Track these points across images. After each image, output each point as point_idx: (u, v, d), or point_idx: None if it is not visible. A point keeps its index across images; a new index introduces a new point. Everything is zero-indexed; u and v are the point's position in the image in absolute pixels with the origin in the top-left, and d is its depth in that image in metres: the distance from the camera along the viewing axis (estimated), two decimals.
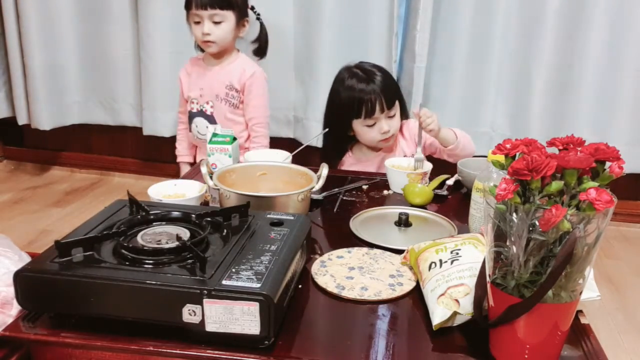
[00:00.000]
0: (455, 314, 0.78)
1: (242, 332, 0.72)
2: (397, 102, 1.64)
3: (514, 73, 2.33)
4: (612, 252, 2.30)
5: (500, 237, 0.68)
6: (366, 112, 1.58)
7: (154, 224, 0.90)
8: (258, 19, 2.05)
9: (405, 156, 1.65)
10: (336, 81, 1.68)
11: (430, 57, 2.28)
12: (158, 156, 2.83)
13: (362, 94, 1.58)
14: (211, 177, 1.14)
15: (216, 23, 1.80)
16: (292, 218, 0.95)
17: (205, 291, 0.71)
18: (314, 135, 2.43)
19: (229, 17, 1.82)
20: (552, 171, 0.63)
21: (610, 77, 2.26)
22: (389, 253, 1.02)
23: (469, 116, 2.41)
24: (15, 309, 0.92)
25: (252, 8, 2.00)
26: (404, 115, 1.72)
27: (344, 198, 1.34)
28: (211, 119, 1.95)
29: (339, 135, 1.68)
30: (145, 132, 2.68)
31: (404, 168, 1.42)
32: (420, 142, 1.47)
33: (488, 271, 0.72)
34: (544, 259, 0.65)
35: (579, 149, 0.69)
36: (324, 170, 1.16)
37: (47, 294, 0.76)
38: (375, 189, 1.41)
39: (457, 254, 0.87)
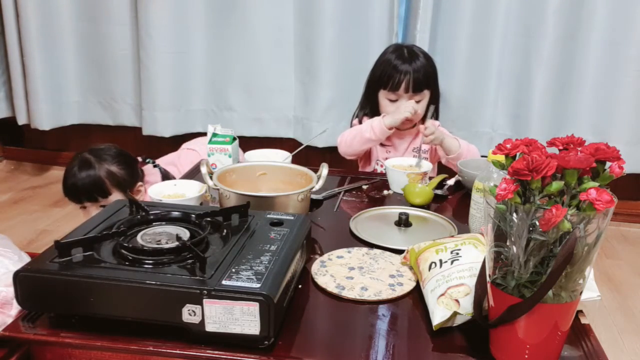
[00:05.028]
0: (455, 314, 0.78)
1: (242, 332, 0.72)
2: (426, 92, 1.68)
3: (514, 73, 2.34)
4: (612, 252, 2.30)
5: (500, 237, 0.68)
6: (392, 85, 1.64)
7: (154, 224, 0.90)
8: None
9: (415, 149, 1.73)
10: (383, 52, 1.76)
11: None
12: (158, 156, 2.82)
13: (394, 69, 1.65)
14: (211, 177, 1.14)
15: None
16: (292, 218, 0.95)
17: (205, 291, 0.71)
18: (314, 135, 2.43)
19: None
20: (552, 171, 0.63)
21: (610, 77, 2.26)
22: (389, 253, 1.02)
23: (469, 116, 2.41)
24: (15, 309, 0.92)
25: None
26: (433, 114, 1.76)
27: (344, 198, 1.34)
28: None
29: (371, 101, 1.76)
30: (145, 132, 2.68)
31: (404, 168, 1.42)
32: (421, 148, 1.58)
33: (488, 271, 0.72)
34: (544, 259, 0.65)
35: (579, 149, 0.69)
36: (324, 170, 1.16)
37: (47, 294, 0.75)
38: (375, 189, 1.41)
39: (457, 254, 0.87)
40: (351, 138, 1.68)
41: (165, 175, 1.74)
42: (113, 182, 1.62)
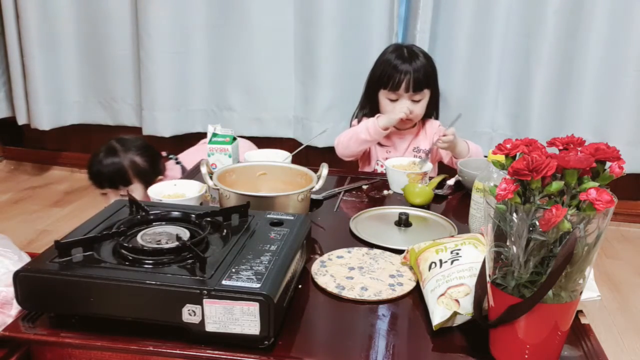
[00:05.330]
0: (455, 314, 0.78)
1: (242, 332, 0.72)
2: (426, 91, 1.68)
3: (514, 73, 2.34)
4: (612, 252, 2.30)
5: (500, 237, 0.68)
6: (392, 85, 1.64)
7: (154, 224, 0.90)
8: None
9: (415, 149, 1.73)
10: (382, 52, 1.76)
11: None
12: None
13: (394, 69, 1.65)
14: (211, 177, 1.14)
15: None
16: (292, 218, 0.95)
17: (205, 291, 0.71)
18: (314, 135, 2.43)
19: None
20: (552, 171, 0.63)
21: (610, 77, 2.26)
22: (389, 253, 1.02)
23: (470, 116, 2.41)
24: (15, 309, 0.92)
25: None
26: (433, 114, 1.78)
27: (344, 198, 1.34)
28: None
29: (371, 101, 1.76)
30: (145, 132, 2.68)
31: (404, 167, 1.42)
32: (431, 150, 1.60)
33: (488, 271, 0.72)
34: (544, 259, 0.65)
35: (579, 149, 0.69)
36: (324, 170, 1.16)
37: (47, 294, 0.75)
38: (375, 189, 1.41)
39: (457, 254, 0.87)
40: (347, 139, 1.69)
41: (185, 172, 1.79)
42: (135, 172, 1.69)
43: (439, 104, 1.79)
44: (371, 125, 1.63)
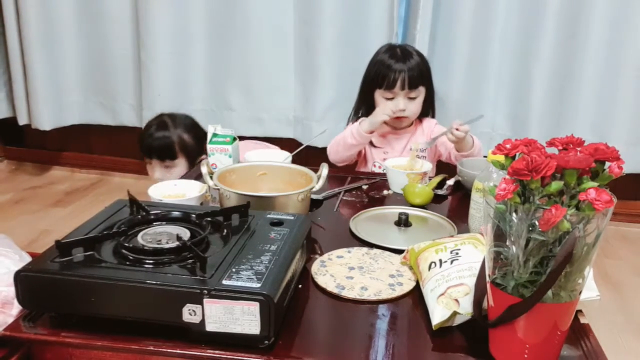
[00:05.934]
0: (455, 313, 0.78)
1: (242, 332, 0.72)
2: (422, 89, 1.68)
3: (514, 73, 2.34)
4: (612, 252, 2.30)
5: (500, 237, 0.68)
6: (387, 84, 1.65)
7: (154, 223, 0.90)
8: None
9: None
10: (376, 52, 1.77)
11: (430, 57, 2.27)
12: None
13: (389, 69, 1.65)
14: (211, 177, 1.14)
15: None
16: (292, 218, 0.95)
17: (205, 291, 0.71)
18: (314, 135, 2.43)
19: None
20: (551, 171, 0.63)
21: (610, 77, 2.26)
22: (388, 253, 1.03)
23: (469, 116, 2.40)
24: (15, 308, 0.92)
25: None
26: (430, 112, 1.78)
27: (344, 198, 1.34)
28: None
29: (366, 102, 1.76)
30: None
31: (404, 168, 1.42)
32: (435, 141, 1.60)
33: (488, 271, 0.72)
34: (544, 259, 0.65)
35: (579, 149, 0.69)
36: (324, 170, 1.16)
37: (48, 293, 0.76)
38: (375, 189, 1.42)
39: (457, 253, 0.87)
40: (336, 145, 1.71)
41: None
42: (181, 147, 1.79)
43: (434, 102, 1.79)
44: (355, 130, 1.65)
